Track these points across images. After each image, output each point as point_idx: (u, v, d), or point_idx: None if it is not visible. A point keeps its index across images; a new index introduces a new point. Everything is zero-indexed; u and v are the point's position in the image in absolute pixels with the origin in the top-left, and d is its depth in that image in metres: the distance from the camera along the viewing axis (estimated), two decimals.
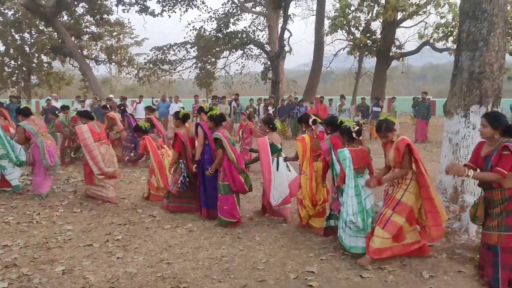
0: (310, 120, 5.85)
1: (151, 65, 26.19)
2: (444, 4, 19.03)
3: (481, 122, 4.04)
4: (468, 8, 5.22)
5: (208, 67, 28.09)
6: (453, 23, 18.14)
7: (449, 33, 19.03)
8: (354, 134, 4.88)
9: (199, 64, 27.57)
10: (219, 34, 24.92)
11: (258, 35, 26.33)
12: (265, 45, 24.38)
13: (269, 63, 24.15)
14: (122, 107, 11.73)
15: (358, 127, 4.89)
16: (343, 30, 20.96)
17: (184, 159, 6.58)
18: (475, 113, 5.16)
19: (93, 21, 26.82)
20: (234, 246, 5.21)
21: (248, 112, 11.84)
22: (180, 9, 25.03)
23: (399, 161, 4.49)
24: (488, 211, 4.01)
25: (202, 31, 25.65)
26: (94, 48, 28.90)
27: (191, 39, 26.12)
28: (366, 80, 32.80)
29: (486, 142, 4.08)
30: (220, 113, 6.20)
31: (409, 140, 4.50)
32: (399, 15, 20.10)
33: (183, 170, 6.49)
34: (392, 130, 4.61)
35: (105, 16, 26.24)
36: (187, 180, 6.49)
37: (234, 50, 26.39)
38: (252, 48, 26.80)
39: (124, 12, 25.48)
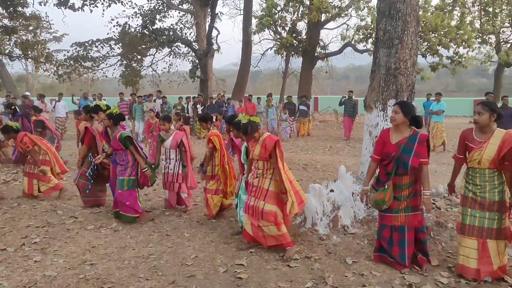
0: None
1: (71, 62, 24.91)
2: (364, 7, 20.06)
3: (393, 110, 4.29)
4: (384, 7, 5.53)
5: (134, 64, 27.28)
6: (372, 26, 19.15)
7: (368, 35, 20.08)
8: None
9: (124, 62, 26.69)
10: (145, 31, 24.25)
11: (185, 33, 26.07)
12: (193, 43, 24.17)
13: (197, 61, 23.95)
14: (12, 107, 10.82)
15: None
16: (270, 30, 21.31)
17: (94, 152, 6.56)
18: (391, 107, 5.48)
19: (5, 14, 24.91)
20: (162, 243, 5.09)
21: (156, 110, 11.30)
22: (102, 3, 24.01)
23: (264, 156, 4.73)
24: (395, 195, 4.26)
25: (127, 27, 24.84)
26: (8, 43, 26.88)
27: (115, 36, 25.20)
28: (293, 80, 33.66)
29: (391, 129, 4.35)
30: (119, 112, 6.11)
31: (276, 137, 4.79)
32: (323, 17, 20.85)
33: (92, 164, 6.43)
34: (257, 129, 4.82)
35: (19, 8, 24.47)
36: (95, 172, 6.48)
37: (161, 48, 25.87)
38: (179, 46, 26.45)
39: (41, 5, 23.97)
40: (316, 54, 22.49)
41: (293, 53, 23.23)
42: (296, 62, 28.98)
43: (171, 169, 6.50)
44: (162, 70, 28.01)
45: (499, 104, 11.82)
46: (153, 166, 6.05)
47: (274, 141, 4.68)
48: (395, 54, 5.38)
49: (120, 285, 3.99)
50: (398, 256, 4.26)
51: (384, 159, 4.31)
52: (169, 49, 26.40)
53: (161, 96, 17.16)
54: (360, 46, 21.65)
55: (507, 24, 25.08)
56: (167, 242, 5.11)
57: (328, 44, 24.52)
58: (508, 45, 25.86)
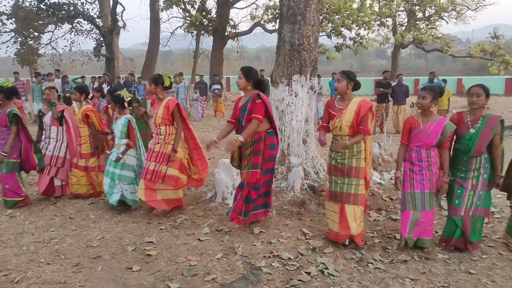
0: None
1: None
2: None
3: (238, 75, 4.52)
4: None
5: (31, 42, 25.05)
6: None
7: (277, 15, 20.44)
8: (126, 104, 5.48)
9: (20, 39, 24.39)
10: (42, 5, 22.33)
11: (88, 8, 24.41)
12: (96, 20, 22.77)
13: (101, 39, 22.66)
14: None
15: (130, 98, 5.52)
16: (178, 7, 20.80)
17: None
18: (297, 82, 5.66)
19: None
20: (66, 227, 4.83)
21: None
22: None
23: (167, 118, 5.02)
24: (242, 154, 4.56)
25: (21, 1, 22.67)
26: None
27: (7, 10, 22.87)
28: (205, 60, 33.30)
29: (242, 97, 4.65)
30: (11, 86, 5.67)
31: (177, 101, 5.17)
32: None
33: None
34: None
35: None
36: None
37: (60, 24, 23.97)
38: (82, 23, 24.75)
39: None
40: (226, 33, 22.43)
41: (203, 32, 22.92)
42: (207, 42, 28.69)
43: (49, 150, 5.86)
44: (63, 49, 26.07)
45: (395, 82, 12.80)
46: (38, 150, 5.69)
47: (175, 103, 5.02)
48: (298, 30, 5.54)
49: (18, 272, 3.73)
50: (242, 212, 4.55)
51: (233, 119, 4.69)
52: (70, 26, 24.59)
53: (61, 75, 16.03)
54: (270, 26, 22.02)
55: (402, 8, 26.99)
56: (70, 225, 4.86)
57: (238, 23, 24.57)
58: (403, 27, 27.88)
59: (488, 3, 27.22)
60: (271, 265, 3.85)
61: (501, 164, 4.15)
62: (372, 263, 3.95)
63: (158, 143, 5.06)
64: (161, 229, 4.71)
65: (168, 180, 4.97)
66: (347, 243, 4.27)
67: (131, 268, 3.80)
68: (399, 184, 4.27)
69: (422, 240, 4.16)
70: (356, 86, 4.27)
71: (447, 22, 27.95)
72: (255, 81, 4.51)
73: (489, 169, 4.12)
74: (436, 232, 4.59)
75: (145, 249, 4.19)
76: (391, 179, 6.54)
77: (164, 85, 5.18)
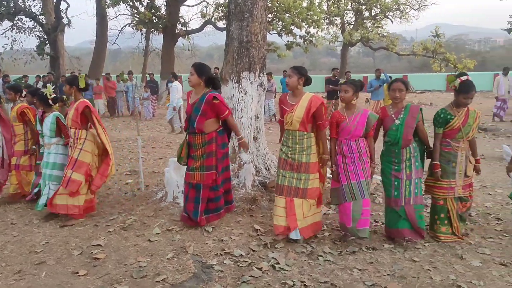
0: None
1: None
2: None
3: (190, 72, 4.48)
4: None
5: None
6: None
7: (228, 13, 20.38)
8: (50, 101, 5.32)
9: None
10: None
11: (29, 5, 23.30)
12: (39, 16, 21.76)
13: (45, 36, 21.69)
14: None
15: (54, 95, 5.37)
16: (126, 4, 20.27)
17: None
18: (246, 79, 5.68)
19: None
20: (7, 233, 4.59)
21: None
22: None
23: (76, 121, 4.92)
24: (191, 154, 4.53)
25: None
26: None
27: None
28: (156, 58, 32.71)
29: (192, 91, 4.61)
30: None
31: (89, 103, 5.02)
32: None
33: None
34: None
35: None
36: None
37: (0, 21, 22.76)
38: (23, 20, 23.60)
39: None
40: (177, 31, 22.12)
41: (153, 30, 22.49)
42: (157, 40, 28.19)
43: None
44: (3, 47, 24.76)
45: (343, 80, 13.12)
46: None
47: (84, 105, 4.89)
48: (246, 27, 5.55)
49: None
50: (192, 212, 4.51)
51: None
52: (11, 23, 23.39)
53: (3, 75, 15.22)
54: (221, 24, 21.94)
55: (349, 7, 27.72)
56: (12, 231, 4.63)
57: (189, 21, 24.28)
58: (351, 26, 28.64)
59: (429, 3, 28.55)
60: (223, 263, 3.84)
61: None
62: (322, 256, 4.03)
63: (70, 147, 5.01)
64: (109, 231, 4.58)
65: (71, 185, 4.80)
66: (294, 237, 4.30)
67: (77, 273, 3.67)
68: (336, 177, 4.38)
69: (363, 229, 4.29)
70: (307, 81, 4.34)
71: (392, 21, 28.99)
72: (207, 78, 4.46)
73: (419, 158, 4.33)
74: (376, 221, 4.77)
75: (92, 252, 4.06)
76: None
77: (79, 87, 5.03)
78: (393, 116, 4.31)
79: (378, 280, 3.58)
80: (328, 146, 4.41)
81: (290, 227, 4.24)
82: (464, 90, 4.21)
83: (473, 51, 49.92)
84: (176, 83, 12.26)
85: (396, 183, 4.31)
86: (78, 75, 5.12)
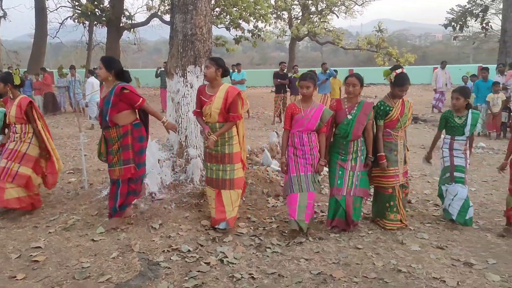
0: None
1: None
2: None
3: (99, 66, 4.38)
4: None
5: None
6: None
7: None
8: None
9: None
10: None
11: None
12: None
13: None
14: None
15: None
16: None
17: None
18: (192, 73, 5.60)
19: None
20: None
21: None
22: None
23: (21, 117, 4.86)
24: (109, 149, 4.42)
25: None
26: None
27: None
28: (100, 52, 31.61)
29: (104, 87, 4.48)
30: None
31: (31, 99, 4.98)
32: None
33: None
34: None
35: None
36: None
37: None
38: None
39: None
40: (121, 24, 21.45)
41: (96, 23, 21.70)
42: (101, 33, 27.21)
43: None
44: None
45: (291, 73, 13.29)
46: None
47: (27, 101, 4.83)
48: (190, 20, 5.47)
49: None
50: (112, 207, 4.43)
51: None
52: None
53: None
54: (167, 18, 21.47)
55: (296, 2, 28.06)
56: None
57: (134, 14, 23.60)
58: (298, 21, 29.03)
59: None
60: (170, 259, 3.79)
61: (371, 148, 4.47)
62: (270, 248, 4.07)
63: (14, 141, 4.90)
64: (50, 232, 4.38)
65: (19, 179, 4.79)
66: (222, 227, 4.37)
67: (15, 277, 3.49)
68: (285, 168, 4.43)
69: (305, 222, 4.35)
70: (225, 72, 4.36)
71: (337, 16, 29.69)
72: (116, 71, 4.33)
73: (365, 152, 4.45)
74: (323, 211, 4.89)
75: (31, 255, 3.87)
76: None
77: (14, 84, 4.88)
78: (346, 110, 4.38)
79: (324, 268, 3.66)
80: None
81: (218, 219, 4.36)
82: (399, 83, 4.38)
83: (414, 46, 52.10)
84: (91, 78, 12.02)
85: (340, 172, 4.41)
86: (11, 71, 4.88)
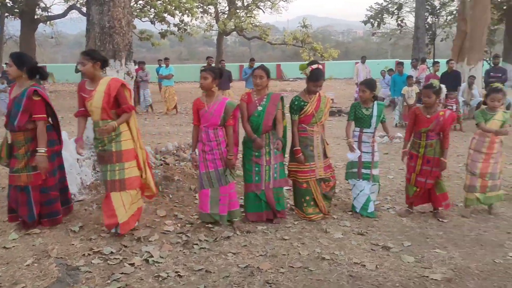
0: None
1: None
2: None
3: (8, 64, 4.07)
4: None
5: None
6: None
7: None
8: None
9: None
10: None
11: None
12: None
13: None
14: None
15: None
16: None
17: None
18: (112, 68, 5.34)
19: None
20: None
21: None
22: None
23: None
24: (14, 153, 4.07)
25: None
26: None
27: None
28: (14, 46, 29.44)
29: (15, 85, 4.14)
30: None
31: None
32: None
33: None
34: None
35: None
36: None
37: None
38: None
39: None
40: (36, 16, 20.09)
41: (7, 14, 20.11)
42: (15, 26, 25.34)
43: None
44: None
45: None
46: None
47: None
48: (107, 12, 5.21)
49: None
50: (27, 215, 4.12)
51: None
52: None
53: None
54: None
55: None
56: None
57: (50, 6, 22.19)
58: (225, 15, 28.96)
59: None
60: (91, 263, 3.61)
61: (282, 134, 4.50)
62: (197, 244, 4.02)
63: None
64: None
65: None
66: (114, 230, 4.11)
67: None
68: (195, 163, 4.39)
69: (233, 212, 4.41)
70: (104, 63, 4.16)
71: (263, 11, 30.01)
72: (29, 69, 4.01)
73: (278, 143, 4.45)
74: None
75: None
76: None
77: None
78: (256, 102, 4.43)
79: (251, 261, 3.69)
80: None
81: (109, 224, 4.02)
82: (313, 78, 4.50)
83: (337, 41, 54.20)
84: None
85: (256, 169, 4.44)
86: None
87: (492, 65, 10.60)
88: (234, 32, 28.79)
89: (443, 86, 6.73)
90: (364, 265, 3.61)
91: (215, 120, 4.20)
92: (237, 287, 3.29)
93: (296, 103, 4.52)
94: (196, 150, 4.41)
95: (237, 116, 4.38)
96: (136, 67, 12.53)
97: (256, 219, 4.52)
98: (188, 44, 52.14)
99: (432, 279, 3.37)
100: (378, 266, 3.59)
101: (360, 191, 4.75)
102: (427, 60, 15.52)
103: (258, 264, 3.63)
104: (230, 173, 4.33)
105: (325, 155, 4.69)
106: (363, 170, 4.76)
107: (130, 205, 4.09)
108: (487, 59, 16.54)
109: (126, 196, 4.04)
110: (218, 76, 4.26)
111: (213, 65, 13.33)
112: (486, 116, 4.68)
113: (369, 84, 4.76)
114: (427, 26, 21.63)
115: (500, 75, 10.26)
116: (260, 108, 4.38)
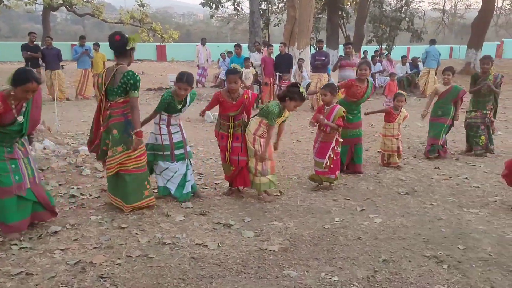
0: None
1: None
2: None
3: None
4: None
5: None
6: None
7: None
8: None
9: None
10: None
11: None
12: None
13: None
14: None
15: None
16: None
17: None
18: None
19: None
20: None
21: None
22: None
23: None
24: None
25: None
26: None
27: None
28: None
29: None
30: None
31: None
32: None
33: None
34: None
35: None
36: None
37: None
38: None
39: None
40: None
41: None
42: None
43: None
44: None
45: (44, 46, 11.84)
46: None
47: None
48: None
49: None
50: None
51: None
52: None
53: None
54: None
55: None
56: None
57: None
58: None
59: None
60: None
61: None
62: (16, 244, 3.46)
63: None
64: None
65: None
66: None
67: None
68: None
69: None
70: None
71: None
72: None
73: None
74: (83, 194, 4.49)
75: None
76: (44, 148, 6.05)
77: None
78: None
79: (83, 256, 3.32)
80: None
81: None
82: None
83: (178, 23, 53.55)
84: None
85: (13, 166, 3.59)
86: None
87: (317, 49, 11.56)
88: (64, 8, 26.05)
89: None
90: (206, 245, 3.55)
91: None
92: (65, 287, 2.91)
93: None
94: None
95: None
96: None
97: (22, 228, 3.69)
98: (9, 19, 45.95)
99: (270, 250, 3.47)
100: (220, 245, 3.56)
101: (175, 173, 4.53)
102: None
103: (91, 258, 3.28)
104: None
105: None
106: (177, 151, 4.52)
107: None
108: (313, 44, 18.05)
109: None
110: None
111: (38, 43, 11.86)
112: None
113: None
114: (262, 12, 22.69)
115: (324, 58, 11.23)
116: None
